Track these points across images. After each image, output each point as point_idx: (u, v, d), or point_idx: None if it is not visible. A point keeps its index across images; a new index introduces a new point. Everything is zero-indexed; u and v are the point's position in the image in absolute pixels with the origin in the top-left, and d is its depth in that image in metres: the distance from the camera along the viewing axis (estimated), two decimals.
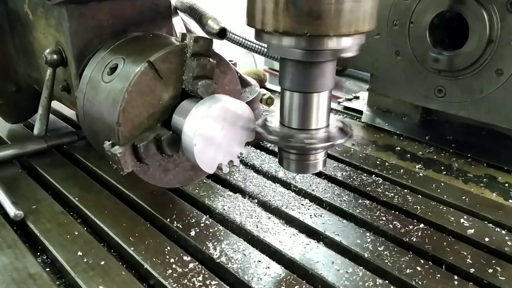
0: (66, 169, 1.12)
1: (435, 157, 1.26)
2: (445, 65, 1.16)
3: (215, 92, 0.81)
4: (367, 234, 0.87)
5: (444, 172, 1.17)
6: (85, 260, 0.80)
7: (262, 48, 1.18)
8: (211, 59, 0.81)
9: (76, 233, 0.87)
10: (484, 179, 1.14)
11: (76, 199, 0.98)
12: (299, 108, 0.80)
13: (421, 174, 1.11)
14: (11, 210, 0.91)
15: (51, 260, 0.84)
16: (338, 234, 0.87)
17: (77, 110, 0.89)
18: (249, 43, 1.15)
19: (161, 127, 0.81)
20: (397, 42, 1.28)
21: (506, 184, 1.12)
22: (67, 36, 0.91)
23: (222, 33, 0.85)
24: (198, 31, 1.19)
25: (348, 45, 0.74)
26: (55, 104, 1.40)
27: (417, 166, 1.20)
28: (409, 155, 1.27)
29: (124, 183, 1.04)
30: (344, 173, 1.10)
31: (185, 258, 0.80)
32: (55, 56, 0.97)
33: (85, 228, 0.90)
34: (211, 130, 0.77)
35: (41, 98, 1.01)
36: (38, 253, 0.86)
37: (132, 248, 0.82)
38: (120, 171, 0.80)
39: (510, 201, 1.02)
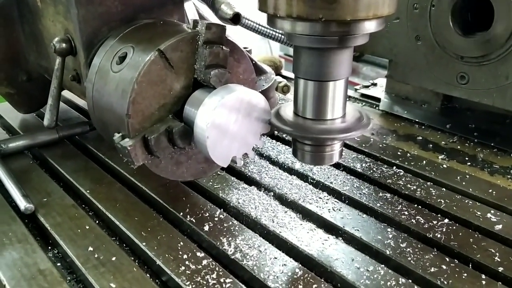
0: (78, 160, 1.10)
1: (459, 147, 1.21)
2: (469, 51, 1.10)
3: (228, 82, 0.77)
4: (389, 229, 0.83)
5: (469, 163, 1.12)
6: (96, 255, 0.77)
7: (277, 34, 1.13)
8: (224, 47, 0.77)
9: (87, 227, 0.85)
10: (511, 171, 1.09)
11: (88, 191, 0.96)
12: (314, 98, 0.76)
13: (444, 166, 1.06)
14: (22, 203, 0.89)
15: (61, 255, 0.82)
16: (358, 230, 0.83)
17: (87, 100, 0.86)
18: (263, 29, 1.10)
19: (173, 119, 0.78)
20: (418, 27, 1.22)
21: None
22: (75, 23, 0.88)
23: (236, 18, 0.81)
24: (212, 18, 1.15)
25: (370, 31, 0.69)
26: (67, 94, 1.38)
27: (440, 157, 1.15)
28: (431, 145, 1.22)
29: (136, 175, 1.01)
30: (363, 165, 1.06)
31: (198, 254, 0.77)
32: (64, 45, 0.94)
33: (96, 222, 0.88)
34: (224, 121, 0.73)
35: (50, 88, 0.99)
36: (49, 248, 0.84)
37: (144, 244, 0.80)
38: (131, 164, 0.77)
39: None
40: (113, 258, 0.77)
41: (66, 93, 1.38)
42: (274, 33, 1.11)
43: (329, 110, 0.77)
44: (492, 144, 1.20)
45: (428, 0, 1.17)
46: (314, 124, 0.77)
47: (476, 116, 1.31)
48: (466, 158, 1.14)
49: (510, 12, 1.01)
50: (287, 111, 0.80)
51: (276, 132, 1.20)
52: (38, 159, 1.13)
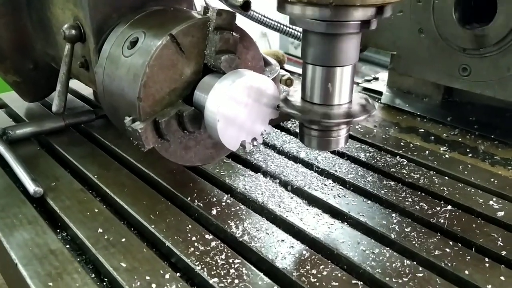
0: (84, 147, 1.11)
1: (460, 139, 1.22)
2: (471, 43, 1.12)
3: (238, 67, 0.79)
4: (393, 215, 0.85)
5: (470, 155, 1.14)
6: (105, 237, 0.79)
7: (281, 26, 1.14)
8: (234, 33, 0.79)
9: (96, 210, 0.86)
10: None
11: (95, 176, 0.97)
12: (322, 83, 0.77)
13: (447, 156, 1.08)
14: (31, 187, 0.90)
15: (71, 237, 0.83)
16: (363, 215, 0.85)
17: (97, 86, 0.87)
18: (268, 20, 1.11)
19: (183, 103, 0.79)
20: (421, 20, 1.23)
21: None
22: (86, 10, 0.89)
23: (246, 6, 0.82)
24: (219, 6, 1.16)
25: (384, 16, 0.71)
26: (72, 83, 1.39)
27: (441, 149, 1.17)
28: (433, 137, 1.23)
29: (143, 162, 1.03)
30: (367, 154, 1.07)
31: (207, 236, 0.79)
32: (73, 31, 0.95)
33: (105, 206, 0.89)
34: (234, 106, 0.75)
35: (59, 74, 1.00)
36: (58, 230, 0.85)
37: (153, 226, 0.81)
38: (141, 147, 0.78)
39: None
40: (123, 240, 0.78)
41: (71, 83, 1.39)
42: (277, 24, 1.12)
43: (336, 95, 0.78)
44: (492, 137, 1.22)
45: None
46: (321, 108, 0.78)
47: (476, 109, 1.32)
48: (468, 150, 1.16)
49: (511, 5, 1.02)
50: (295, 97, 0.82)
51: (282, 123, 1.22)
52: (44, 146, 1.14)
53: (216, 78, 0.77)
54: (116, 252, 0.75)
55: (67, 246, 0.80)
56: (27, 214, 0.85)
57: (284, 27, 1.12)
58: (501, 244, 0.77)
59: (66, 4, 0.98)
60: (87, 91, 1.44)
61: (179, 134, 0.80)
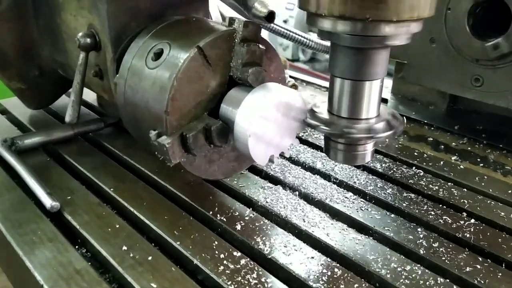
0: (96, 157, 1.08)
1: (469, 148, 1.23)
2: (485, 54, 1.12)
3: (265, 80, 0.77)
4: (418, 229, 0.84)
5: (481, 164, 1.14)
6: (131, 255, 0.76)
7: (299, 37, 1.13)
8: (260, 45, 0.77)
9: (117, 226, 0.84)
10: None
11: (111, 189, 0.95)
12: (350, 96, 0.77)
13: (462, 167, 1.08)
14: (47, 202, 0.87)
15: (91, 253, 0.81)
16: (388, 229, 0.84)
17: (116, 96, 0.85)
18: (286, 31, 1.10)
19: (209, 116, 0.78)
20: (433, 29, 1.24)
21: None
22: (104, 19, 0.86)
23: (271, 17, 0.81)
24: (231, 15, 1.15)
25: (411, 32, 0.70)
26: None
27: (453, 158, 1.17)
28: (442, 146, 1.24)
29: (158, 173, 1.00)
30: (383, 165, 1.07)
31: (235, 253, 0.77)
32: (88, 40, 0.93)
33: (125, 221, 0.86)
34: (265, 121, 0.73)
35: (73, 83, 0.97)
36: (77, 246, 0.82)
37: (178, 243, 0.79)
38: (167, 162, 0.76)
39: None
40: (149, 258, 0.76)
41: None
42: (297, 35, 1.11)
43: (365, 109, 0.77)
44: (501, 146, 1.23)
45: (444, 3, 1.19)
46: (349, 122, 0.78)
47: (482, 118, 1.34)
48: (478, 160, 1.16)
49: None
50: (321, 109, 0.81)
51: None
52: (53, 156, 1.11)
53: (244, 91, 0.76)
54: (144, 271, 0.73)
55: (89, 263, 0.77)
56: (46, 231, 0.82)
57: (302, 38, 1.10)
58: None
59: (79, 11, 0.95)
60: (91, 97, 1.40)
61: (205, 149, 0.78)
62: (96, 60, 0.96)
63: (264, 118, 0.73)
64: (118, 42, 0.88)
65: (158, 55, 0.77)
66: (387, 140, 1.21)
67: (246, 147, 0.72)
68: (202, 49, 0.73)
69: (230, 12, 1.10)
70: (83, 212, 0.88)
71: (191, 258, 0.76)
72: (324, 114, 0.80)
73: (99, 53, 0.94)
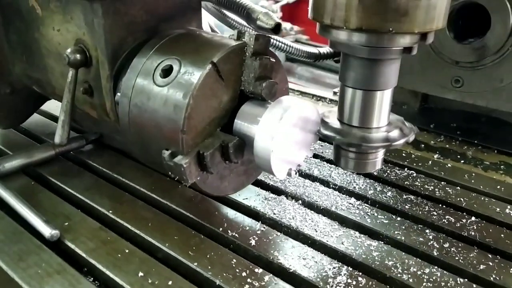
0: (84, 178, 1.03)
1: (447, 146, 1.28)
2: (464, 56, 1.17)
3: (277, 93, 0.76)
4: (426, 231, 0.87)
5: (462, 161, 1.19)
6: (149, 281, 0.73)
7: (294, 49, 1.13)
8: (271, 58, 0.76)
9: (127, 250, 0.80)
10: (502, 166, 1.17)
11: (110, 212, 0.90)
12: (362, 106, 0.78)
13: (449, 165, 1.12)
14: (46, 230, 0.82)
15: (101, 282, 0.76)
16: (398, 233, 0.86)
17: (120, 117, 0.80)
18: (283, 45, 1.09)
19: (223, 133, 0.76)
20: None
21: None
22: (100, 34, 0.82)
23: (277, 28, 0.80)
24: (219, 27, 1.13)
25: (428, 42, 0.72)
26: (44, 106, 1.28)
27: (435, 156, 1.21)
28: (423, 145, 1.28)
29: (155, 191, 0.97)
30: None
31: (256, 270, 0.76)
32: (78, 56, 0.88)
33: (133, 245, 0.82)
34: (285, 135, 0.73)
35: (62, 102, 0.91)
36: (87, 276, 0.77)
37: (195, 264, 0.77)
38: (184, 183, 0.73)
39: None
40: (169, 282, 0.73)
41: (43, 106, 1.29)
42: (288, 47, 1.10)
43: (376, 118, 0.78)
44: (475, 142, 1.29)
45: None
46: (361, 131, 0.78)
47: (454, 115, 1.40)
48: (458, 156, 1.22)
49: (507, 20, 1.08)
50: (331, 118, 0.81)
51: None
52: (35, 179, 1.04)
53: (259, 106, 0.75)
54: None
55: None
56: (51, 262, 0.77)
57: (296, 50, 1.10)
58: None
59: (65, 25, 0.90)
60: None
61: (221, 166, 0.76)
62: (86, 76, 0.91)
63: (285, 133, 0.72)
64: (115, 58, 0.83)
65: (167, 71, 0.74)
66: None
67: (268, 163, 0.71)
68: (216, 65, 0.71)
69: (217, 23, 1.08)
70: (86, 238, 0.83)
71: (212, 279, 0.74)
72: (335, 123, 0.80)
73: (89, 69, 0.90)
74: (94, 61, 0.88)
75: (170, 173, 0.74)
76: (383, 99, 0.78)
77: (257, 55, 0.75)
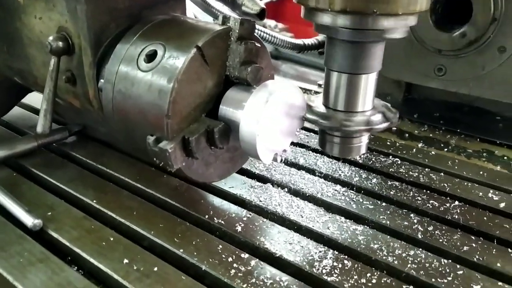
0: (68, 169, 1.02)
1: (431, 135, 1.29)
2: (447, 45, 1.19)
3: (262, 78, 0.76)
4: (411, 215, 0.87)
5: (446, 149, 1.21)
6: (134, 267, 0.72)
7: (276, 39, 1.13)
8: (256, 43, 0.76)
9: (111, 239, 0.79)
10: (484, 154, 1.19)
11: (94, 201, 0.89)
12: (347, 90, 0.78)
13: (433, 153, 1.14)
14: (28, 220, 0.80)
15: (86, 270, 0.75)
16: (384, 218, 0.86)
17: (103, 104, 0.80)
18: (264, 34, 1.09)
19: (209, 118, 0.75)
20: None
21: (505, 158, 1.17)
22: (82, 20, 0.81)
23: (262, 14, 0.80)
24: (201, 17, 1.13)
25: (411, 24, 0.73)
26: (25, 99, 1.27)
27: (419, 145, 1.22)
28: (407, 135, 1.29)
29: (140, 181, 0.96)
30: (362, 156, 1.10)
31: (242, 255, 0.75)
32: (60, 44, 0.87)
33: (118, 233, 0.82)
34: (271, 120, 0.73)
35: (44, 91, 0.90)
36: (71, 265, 0.76)
37: (181, 250, 0.76)
38: (169, 168, 0.73)
39: None
40: (155, 269, 0.72)
41: (25, 99, 1.27)
42: (274, 38, 1.10)
43: (361, 102, 0.79)
44: (458, 131, 1.30)
45: None
46: (346, 115, 0.79)
47: (437, 105, 1.41)
48: (442, 145, 1.23)
49: (488, 8, 1.10)
50: (316, 103, 0.81)
51: None
52: (17, 171, 1.02)
53: (244, 91, 0.74)
54: (153, 282, 0.70)
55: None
56: (34, 251, 0.76)
57: (278, 40, 1.10)
58: None
59: (47, 13, 0.89)
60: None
61: (206, 151, 0.76)
62: (68, 65, 0.90)
63: (270, 118, 0.72)
64: (98, 45, 0.83)
65: (151, 57, 0.74)
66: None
67: (254, 148, 0.71)
68: (201, 49, 0.71)
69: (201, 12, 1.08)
70: (70, 228, 0.82)
71: (198, 265, 0.73)
72: (320, 108, 0.80)
73: (72, 57, 0.88)
74: (76, 48, 0.87)
75: (155, 159, 0.73)
76: (368, 82, 0.78)
77: (242, 40, 0.75)
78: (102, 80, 0.80)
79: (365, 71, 0.76)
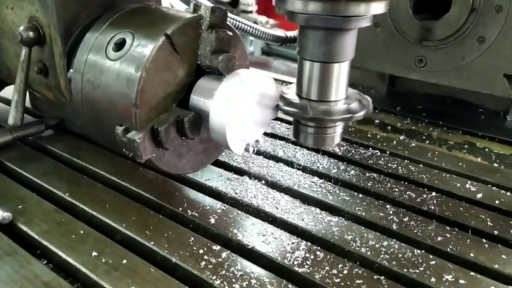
0: (43, 162, 1.00)
1: (413, 127, 1.29)
2: (427, 35, 1.18)
3: (234, 67, 0.75)
4: (387, 206, 0.87)
5: (427, 142, 1.20)
6: (103, 260, 0.71)
7: (252, 29, 1.11)
8: (228, 32, 0.75)
9: (82, 232, 0.78)
10: (465, 146, 1.19)
11: (67, 194, 0.88)
12: (321, 79, 0.77)
13: (413, 145, 1.13)
14: None
15: (55, 263, 0.74)
16: (359, 209, 0.86)
17: (72, 93, 0.78)
18: (235, 22, 1.08)
19: (179, 108, 0.74)
20: None
21: (486, 149, 1.17)
22: (52, 9, 0.79)
23: (235, 2, 0.79)
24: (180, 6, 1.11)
25: (381, 12, 0.72)
26: (3, 92, 1.25)
27: (401, 138, 1.22)
28: (389, 127, 1.29)
29: (116, 173, 0.95)
30: (341, 148, 1.09)
31: (214, 247, 0.74)
32: (31, 34, 0.85)
33: (89, 226, 0.80)
34: (241, 109, 0.71)
35: (15, 82, 0.88)
36: (41, 258, 0.75)
37: (152, 243, 0.75)
38: (138, 159, 0.72)
39: (502, 166, 1.07)
40: (124, 261, 0.71)
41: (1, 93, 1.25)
42: (255, 30, 1.09)
43: (334, 91, 0.78)
44: (440, 123, 1.30)
45: None
46: (321, 105, 0.78)
47: (420, 98, 1.42)
48: (424, 137, 1.23)
49: None
50: (290, 94, 0.80)
51: None
52: None
53: (216, 80, 0.73)
54: (121, 275, 0.68)
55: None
56: (1, 244, 0.74)
57: (255, 30, 1.09)
58: (491, 224, 0.82)
59: (18, 2, 0.87)
60: None
61: (177, 142, 0.74)
62: (40, 55, 0.89)
63: (240, 107, 0.71)
64: (68, 35, 0.81)
65: (119, 45, 0.72)
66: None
67: (224, 138, 0.70)
68: (170, 37, 0.70)
69: (178, 3, 1.06)
70: (40, 221, 0.80)
71: (168, 257, 0.72)
72: (294, 99, 0.79)
73: (43, 47, 0.87)
74: (47, 38, 0.85)
75: (124, 150, 0.72)
76: (341, 71, 0.77)
77: (213, 28, 0.74)
78: (71, 70, 0.78)
79: (338, 59, 0.76)
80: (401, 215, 0.84)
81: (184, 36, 0.72)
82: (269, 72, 1.88)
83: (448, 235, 0.79)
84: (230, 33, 0.75)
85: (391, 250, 0.75)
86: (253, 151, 0.77)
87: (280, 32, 1.32)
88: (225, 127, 0.69)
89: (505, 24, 1.06)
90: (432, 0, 1.17)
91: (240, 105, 0.71)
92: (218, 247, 0.75)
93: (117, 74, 0.70)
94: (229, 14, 1.12)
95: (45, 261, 0.75)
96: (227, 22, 0.77)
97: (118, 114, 0.72)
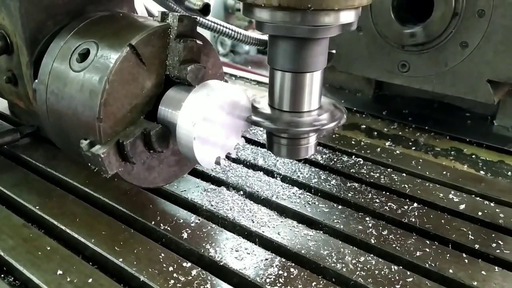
0: (15, 173, 0.97)
1: (400, 133, 1.27)
2: (409, 40, 1.16)
3: (204, 78, 0.73)
4: (366, 218, 0.84)
5: (413, 148, 1.18)
6: (68, 279, 0.69)
7: (229, 31, 1.09)
8: (197, 41, 0.72)
9: (48, 248, 0.75)
10: (452, 152, 1.17)
11: (37, 207, 0.85)
12: (292, 89, 0.75)
13: (397, 152, 1.11)
14: None
15: (21, 282, 0.72)
16: (338, 222, 0.83)
17: (38, 105, 0.75)
18: (217, 26, 1.05)
19: (146, 120, 0.72)
20: (359, 18, 1.25)
21: (473, 156, 1.15)
22: (16, 18, 0.77)
23: (206, 9, 0.76)
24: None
25: (350, 21, 0.69)
26: None
27: (386, 144, 1.19)
28: (375, 133, 1.26)
29: (89, 185, 0.92)
30: (323, 156, 1.07)
31: (184, 264, 0.72)
32: None
33: (57, 242, 0.78)
34: (210, 121, 0.69)
35: None
36: (3, 275, 0.72)
37: (121, 260, 0.72)
38: (104, 174, 0.69)
39: (488, 174, 1.04)
40: (89, 280, 0.69)
41: None
42: (227, 30, 1.06)
43: (307, 101, 0.76)
44: (427, 128, 1.28)
45: None
46: (292, 116, 0.76)
47: (407, 102, 1.40)
48: (410, 143, 1.20)
49: (449, 2, 1.07)
50: (262, 104, 0.78)
51: None
52: None
53: (184, 91, 0.70)
54: None
55: None
56: None
57: (233, 32, 1.06)
58: (472, 237, 0.80)
59: None
60: (1, 105, 1.26)
61: (145, 155, 0.72)
62: (8, 64, 0.86)
63: (209, 119, 0.68)
64: (34, 44, 0.78)
65: (84, 56, 0.69)
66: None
67: (191, 151, 0.68)
68: (135, 48, 0.67)
69: (156, 8, 1.03)
70: (6, 236, 0.78)
71: (137, 275, 0.70)
72: (267, 109, 0.77)
73: (12, 56, 0.84)
74: (15, 47, 0.83)
75: (90, 164, 0.69)
76: (313, 81, 0.75)
77: (182, 37, 0.71)
78: (36, 81, 0.75)
79: (309, 69, 0.73)
80: (380, 228, 0.82)
81: (150, 46, 0.69)
82: (264, 71, 1.85)
83: (427, 250, 0.77)
84: (200, 42, 0.72)
85: (368, 266, 0.73)
86: (224, 162, 0.74)
87: (264, 36, 1.29)
88: (192, 141, 0.67)
89: (488, 28, 1.04)
90: (415, 4, 1.14)
91: (208, 117, 0.68)
92: (189, 264, 0.72)
93: (81, 86, 0.68)
94: (210, 18, 1.09)
95: (12, 278, 0.73)
96: (197, 31, 0.74)
97: (82, 127, 0.69)
